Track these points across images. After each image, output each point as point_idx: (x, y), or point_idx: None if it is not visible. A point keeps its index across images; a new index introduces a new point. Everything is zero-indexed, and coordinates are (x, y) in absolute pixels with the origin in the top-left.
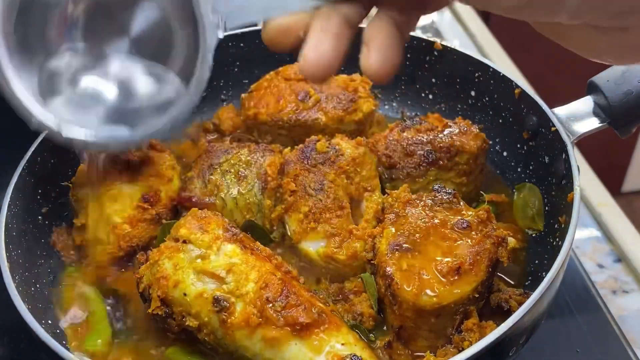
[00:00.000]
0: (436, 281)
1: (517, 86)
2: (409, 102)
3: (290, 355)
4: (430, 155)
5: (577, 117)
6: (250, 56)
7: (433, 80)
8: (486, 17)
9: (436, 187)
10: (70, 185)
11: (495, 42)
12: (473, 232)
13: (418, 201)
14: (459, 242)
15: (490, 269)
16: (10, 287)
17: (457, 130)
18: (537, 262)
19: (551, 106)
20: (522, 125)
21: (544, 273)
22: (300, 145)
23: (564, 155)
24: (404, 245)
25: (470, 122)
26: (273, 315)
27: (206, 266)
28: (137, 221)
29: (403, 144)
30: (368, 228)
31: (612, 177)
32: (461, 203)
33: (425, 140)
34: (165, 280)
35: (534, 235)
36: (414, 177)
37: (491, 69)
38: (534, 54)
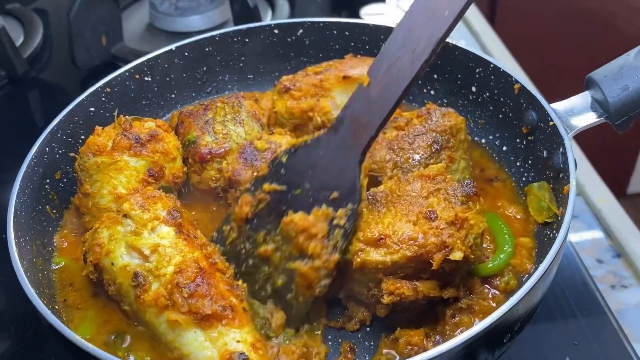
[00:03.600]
0: (359, 242)
1: (517, 82)
2: (410, 98)
3: (188, 341)
4: (439, 140)
5: (575, 112)
6: (255, 51)
7: (435, 76)
8: (491, 18)
9: (467, 181)
10: (76, 156)
11: (499, 41)
12: (434, 224)
13: (436, 182)
14: (409, 223)
15: (412, 261)
16: (19, 272)
17: (439, 114)
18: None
19: (550, 101)
20: (521, 120)
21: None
22: (236, 154)
23: (561, 149)
24: (377, 197)
25: (435, 105)
26: (179, 300)
27: (136, 242)
28: None
29: (407, 140)
30: None
31: (617, 179)
32: (477, 205)
33: (424, 129)
34: (99, 248)
35: (550, 221)
36: (427, 164)
37: (491, 65)
38: (536, 51)
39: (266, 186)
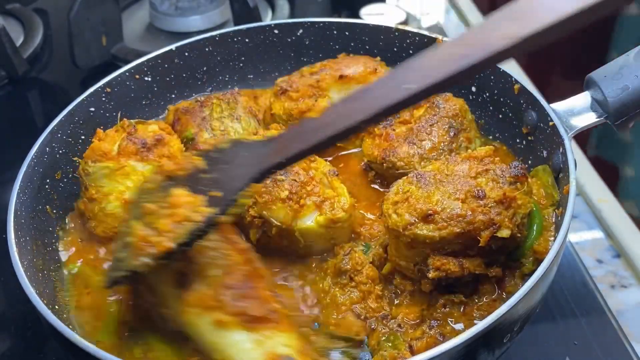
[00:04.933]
0: (409, 214)
1: (517, 82)
2: None
3: (233, 342)
4: (453, 124)
5: (575, 112)
6: (255, 51)
7: None
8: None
9: (515, 163)
10: (80, 160)
11: None
12: (482, 202)
13: (483, 163)
14: (457, 201)
15: (460, 238)
16: (19, 272)
17: (441, 100)
18: None
19: (550, 102)
20: (521, 120)
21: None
22: None
23: (561, 149)
24: (425, 176)
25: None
26: (228, 302)
27: None
28: None
29: (424, 131)
30: (324, 189)
31: (616, 178)
32: (525, 186)
33: (436, 118)
34: None
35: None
36: (451, 150)
37: None
38: (535, 51)
39: (194, 159)
